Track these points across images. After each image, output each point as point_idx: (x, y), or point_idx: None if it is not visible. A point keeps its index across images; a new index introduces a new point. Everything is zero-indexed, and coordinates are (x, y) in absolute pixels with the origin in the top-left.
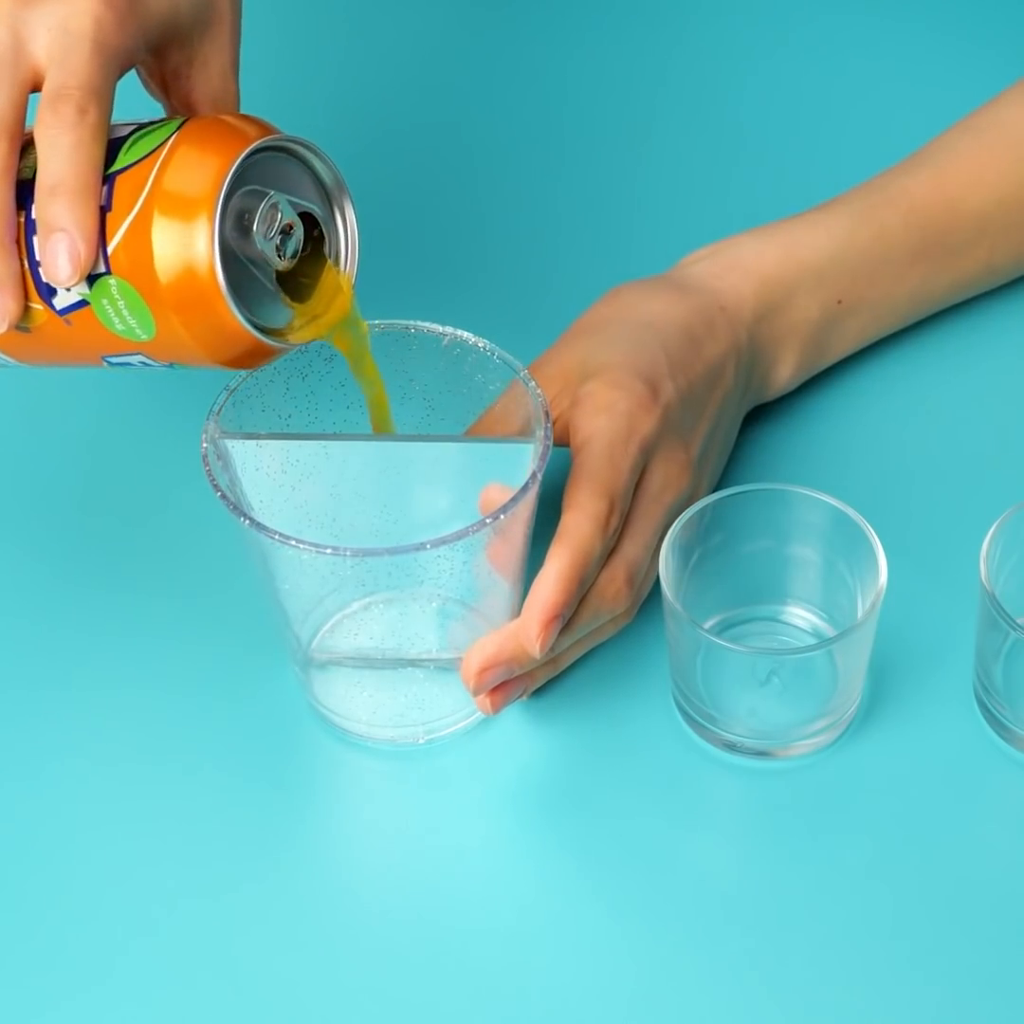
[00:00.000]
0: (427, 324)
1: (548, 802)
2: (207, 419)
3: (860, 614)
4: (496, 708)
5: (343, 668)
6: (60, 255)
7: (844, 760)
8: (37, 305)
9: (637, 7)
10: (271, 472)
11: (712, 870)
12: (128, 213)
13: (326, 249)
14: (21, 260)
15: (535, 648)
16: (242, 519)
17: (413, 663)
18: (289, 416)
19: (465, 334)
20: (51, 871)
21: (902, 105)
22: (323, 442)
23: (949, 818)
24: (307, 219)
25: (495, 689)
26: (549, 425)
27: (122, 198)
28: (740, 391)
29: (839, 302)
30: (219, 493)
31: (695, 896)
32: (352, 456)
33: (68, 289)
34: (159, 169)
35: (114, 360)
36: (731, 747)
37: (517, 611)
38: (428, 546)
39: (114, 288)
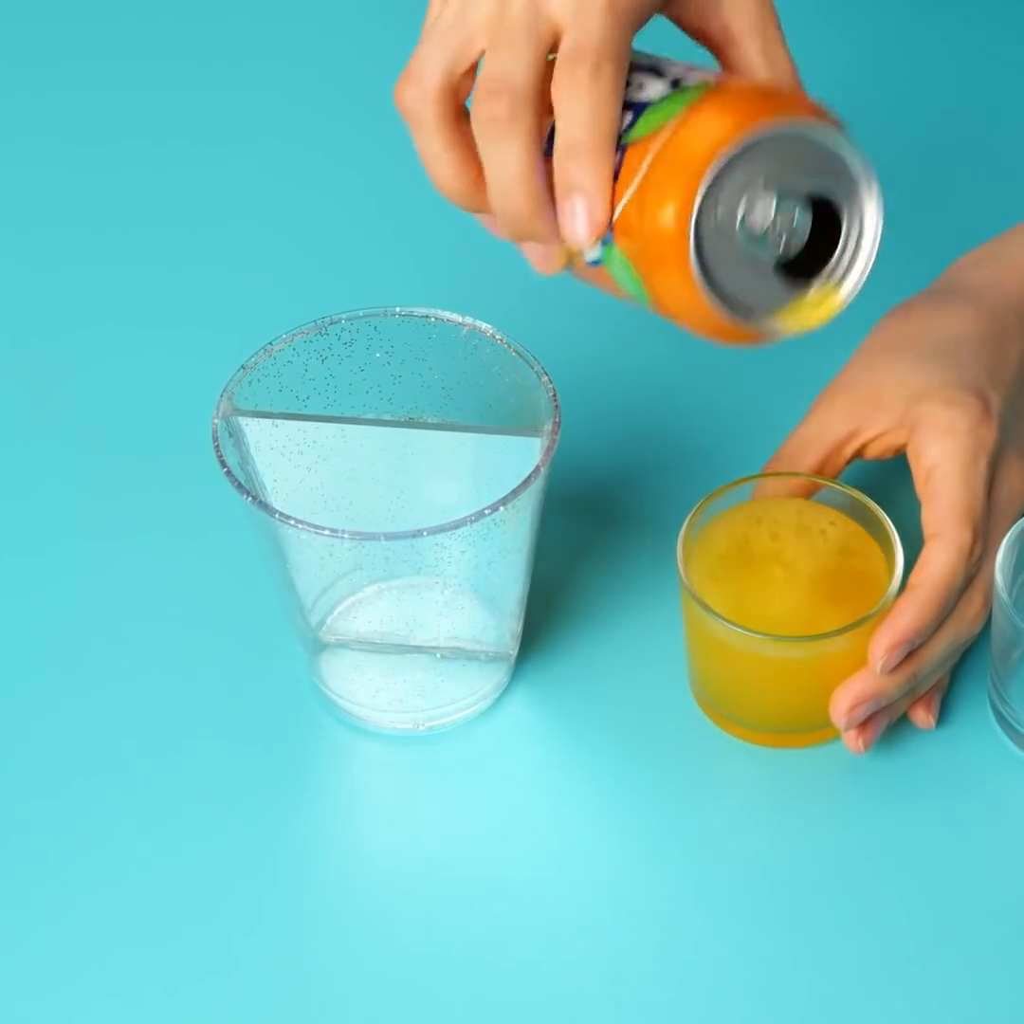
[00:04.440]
0: (447, 313)
1: (556, 790)
2: (220, 396)
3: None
4: (866, 745)
5: (348, 651)
6: (578, 215)
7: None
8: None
9: None
10: (287, 453)
11: (727, 854)
12: (629, 186)
13: (841, 239)
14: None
15: (877, 667)
16: (246, 497)
17: (417, 650)
18: (307, 398)
19: (483, 325)
20: (50, 853)
21: None
22: (340, 425)
23: (965, 805)
24: (822, 202)
25: (862, 726)
26: (557, 419)
27: (628, 170)
28: None
29: None
30: (225, 470)
31: (712, 885)
32: (369, 440)
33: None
34: (654, 154)
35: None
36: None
37: (523, 603)
38: (425, 533)
39: (616, 257)
